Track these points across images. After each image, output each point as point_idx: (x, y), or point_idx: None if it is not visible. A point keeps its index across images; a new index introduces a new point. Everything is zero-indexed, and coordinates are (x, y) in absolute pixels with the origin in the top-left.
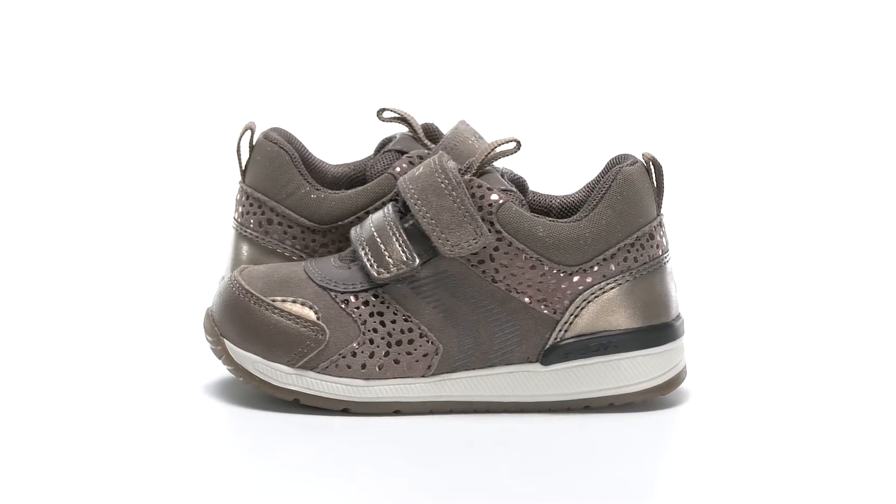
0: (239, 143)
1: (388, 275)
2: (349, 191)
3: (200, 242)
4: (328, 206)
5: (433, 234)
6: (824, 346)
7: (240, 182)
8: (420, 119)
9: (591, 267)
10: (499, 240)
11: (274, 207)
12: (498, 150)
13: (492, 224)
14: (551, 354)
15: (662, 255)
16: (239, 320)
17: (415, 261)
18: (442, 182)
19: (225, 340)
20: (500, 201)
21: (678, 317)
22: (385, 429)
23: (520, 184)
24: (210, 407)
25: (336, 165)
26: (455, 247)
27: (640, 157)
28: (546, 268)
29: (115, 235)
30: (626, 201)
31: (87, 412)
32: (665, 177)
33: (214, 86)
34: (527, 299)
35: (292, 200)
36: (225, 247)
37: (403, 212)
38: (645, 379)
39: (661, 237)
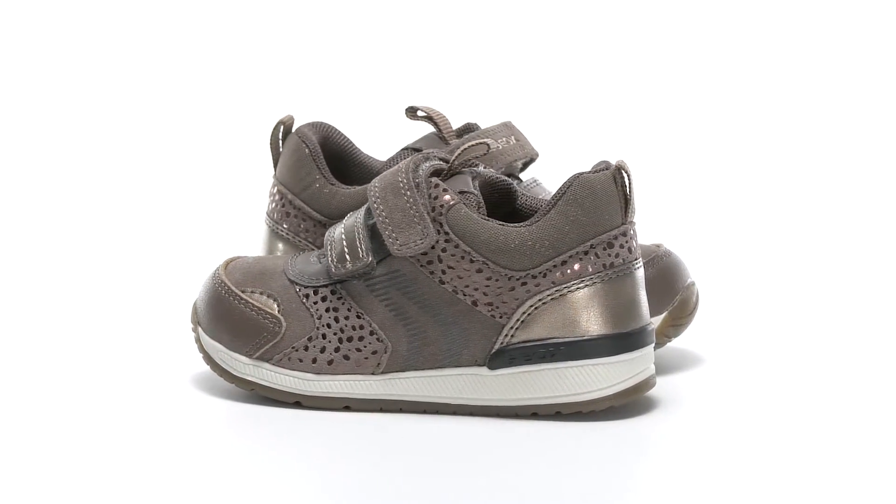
0: (273, 137)
1: (343, 270)
2: (358, 187)
3: (239, 234)
4: (338, 200)
5: (385, 233)
6: (806, 353)
7: (273, 175)
8: (462, 119)
9: (540, 273)
10: (447, 241)
11: (292, 200)
12: (470, 152)
13: (441, 225)
14: (497, 359)
15: (623, 264)
16: (210, 309)
17: (367, 258)
18: (400, 181)
19: (199, 328)
20: (451, 203)
21: (641, 329)
22: (331, 424)
23: (502, 188)
24: (186, 396)
25: (384, 162)
26: (403, 246)
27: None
28: (493, 272)
29: (154, 228)
30: (580, 208)
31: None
32: (635, 186)
33: (276, 81)
34: (473, 302)
35: (307, 194)
36: (259, 239)
37: (371, 210)
38: (592, 389)
39: (622, 246)
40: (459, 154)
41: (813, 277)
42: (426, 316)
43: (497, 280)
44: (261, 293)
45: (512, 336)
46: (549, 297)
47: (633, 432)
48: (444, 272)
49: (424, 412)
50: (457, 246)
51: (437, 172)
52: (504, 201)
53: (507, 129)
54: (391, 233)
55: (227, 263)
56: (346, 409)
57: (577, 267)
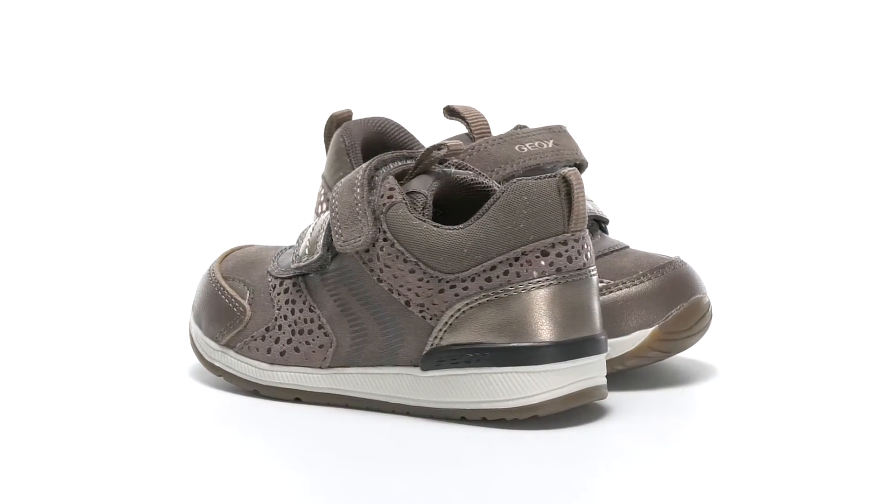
0: (326, 131)
1: (298, 264)
2: None
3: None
4: None
5: (333, 228)
6: (812, 366)
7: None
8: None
9: (469, 277)
10: (384, 240)
11: (325, 193)
12: (435, 154)
13: (381, 224)
14: (428, 360)
15: (559, 274)
16: (197, 294)
17: (317, 252)
18: (356, 178)
19: (191, 314)
20: (393, 201)
21: (575, 340)
22: (279, 414)
23: (480, 189)
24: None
25: None
26: (345, 242)
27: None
28: (424, 273)
29: (213, 224)
30: (512, 214)
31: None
32: (580, 196)
33: (322, 78)
34: (406, 302)
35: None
36: None
37: None
38: (515, 397)
39: (559, 255)
40: (424, 154)
41: (799, 282)
42: (367, 313)
43: (428, 282)
44: (240, 282)
45: (441, 339)
46: (477, 302)
47: (579, 440)
48: (381, 270)
49: (367, 409)
50: (392, 245)
51: (405, 172)
52: (484, 202)
53: (549, 132)
54: (338, 228)
55: (232, 251)
56: (297, 400)
57: (506, 273)
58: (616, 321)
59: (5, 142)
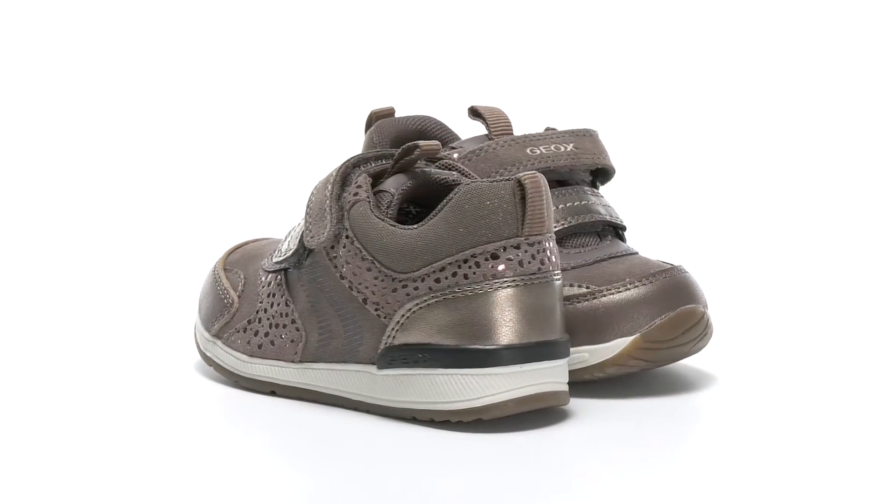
0: (366, 127)
1: (279, 258)
2: None
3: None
4: None
5: (305, 224)
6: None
7: None
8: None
9: (420, 277)
10: (346, 237)
11: None
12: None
13: (344, 221)
14: (382, 359)
15: (510, 277)
16: (202, 285)
17: (292, 248)
18: (331, 175)
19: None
20: (356, 199)
21: (525, 345)
22: (252, 406)
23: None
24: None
25: None
26: (312, 238)
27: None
28: (379, 271)
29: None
30: (462, 216)
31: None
32: (537, 201)
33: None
34: (364, 300)
35: None
36: None
37: None
38: (461, 399)
39: (510, 259)
40: (400, 153)
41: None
42: (331, 309)
43: (382, 280)
44: (237, 273)
45: (394, 338)
46: (426, 303)
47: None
48: (342, 267)
49: (334, 405)
50: (353, 242)
51: (385, 171)
52: None
53: (572, 136)
54: (309, 224)
55: (245, 243)
56: (273, 393)
57: (454, 274)
58: (596, 328)
59: (22, 143)
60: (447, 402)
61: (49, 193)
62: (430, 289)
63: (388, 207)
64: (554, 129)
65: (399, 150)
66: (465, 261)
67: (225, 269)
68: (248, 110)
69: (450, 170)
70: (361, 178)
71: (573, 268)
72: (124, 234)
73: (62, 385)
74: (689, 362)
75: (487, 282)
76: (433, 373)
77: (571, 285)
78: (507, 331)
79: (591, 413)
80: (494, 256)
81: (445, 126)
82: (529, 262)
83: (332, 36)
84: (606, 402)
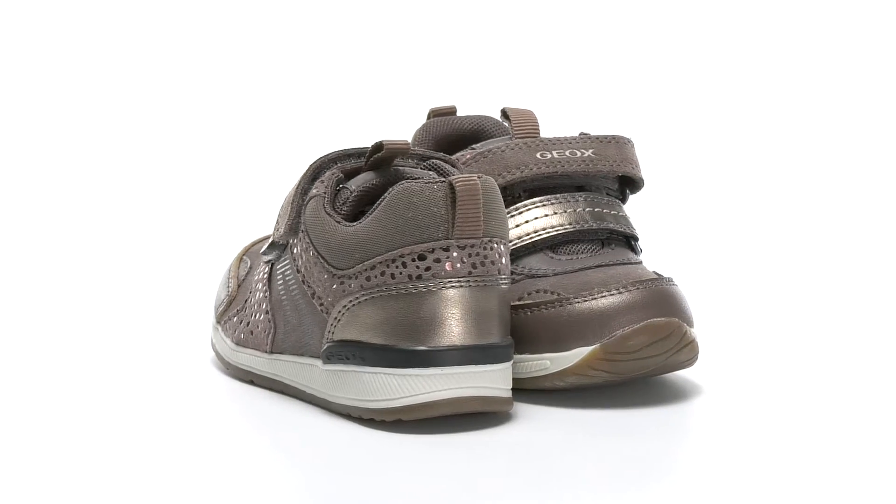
0: None
1: (265, 248)
2: None
3: None
4: None
5: (278, 216)
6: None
7: None
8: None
9: (353, 275)
10: (302, 231)
11: None
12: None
13: (301, 215)
14: (324, 354)
15: (434, 279)
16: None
17: (270, 239)
18: (305, 171)
19: None
20: (314, 195)
21: (448, 348)
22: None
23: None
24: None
25: None
26: (276, 230)
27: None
28: (323, 267)
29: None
30: (392, 216)
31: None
32: (469, 205)
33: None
34: (312, 294)
35: None
36: None
37: None
38: (382, 398)
39: (437, 261)
40: (370, 151)
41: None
42: (292, 302)
43: (325, 276)
44: (247, 262)
45: (333, 333)
46: (357, 301)
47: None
48: (298, 260)
49: (296, 396)
50: (305, 236)
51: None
52: None
53: (594, 142)
54: (279, 218)
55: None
56: (252, 382)
57: (382, 274)
58: (559, 336)
59: (38, 145)
60: (371, 401)
61: (66, 189)
62: (362, 286)
63: (343, 204)
64: (587, 135)
65: (370, 148)
66: (394, 260)
67: (241, 259)
68: (271, 109)
69: (436, 170)
70: (327, 175)
71: (554, 274)
72: (145, 230)
73: (68, 369)
74: (675, 377)
75: (412, 283)
76: (362, 370)
77: (541, 291)
78: (427, 332)
79: (537, 420)
80: (422, 258)
81: (505, 127)
82: (459, 266)
83: (364, 35)
84: (562, 411)
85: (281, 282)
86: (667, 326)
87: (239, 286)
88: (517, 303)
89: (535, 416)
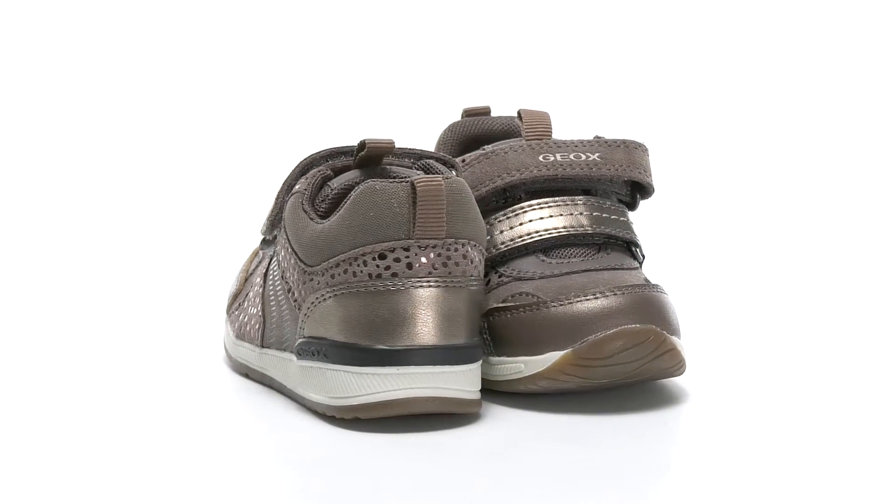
0: None
1: (261, 242)
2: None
3: None
4: None
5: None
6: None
7: None
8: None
9: (320, 272)
10: (283, 227)
11: None
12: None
13: (283, 212)
14: (296, 349)
15: (394, 278)
16: None
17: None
18: (294, 168)
19: None
20: (294, 191)
21: (405, 348)
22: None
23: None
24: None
25: None
26: (262, 227)
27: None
28: (297, 262)
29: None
30: (356, 215)
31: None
32: (429, 205)
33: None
34: (288, 289)
35: None
36: None
37: None
38: (341, 395)
39: (397, 261)
40: (356, 149)
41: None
42: (276, 297)
43: (297, 272)
44: (259, 255)
45: (303, 329)
46: (324, 298)
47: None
48: (279, 255)
49: (280, 391)
50: (284, 231)
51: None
52: None
53: (602, 146)
54: (267, 214)
55: None
56: (246, 376)
57: (345, 272)
58: (533, 339)
59: (49, 146)
60: (333, 398)
61: (77, 189)
62: (328, 283)
63: (322, 201)
64: (601, 138)
65: (356, 146)
66: (356, 258)
67: (255, 253)
68: (295, 106)
69: (426, 169)
70: (313, 171)
71: (540, 277)
72: (170, 224)
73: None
74: (661, 384)
75: (372, 281)
76: (325, 367)
77: (523, 294)
78: (388, 332)
79: (506, 422)
80: (382, 256)
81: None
82: (418, 266)
83: (384, 35)
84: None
85: (270, 277)
86: (641, 333)
87: (246, 280)
88: (500, 305)
89: (505, 419)
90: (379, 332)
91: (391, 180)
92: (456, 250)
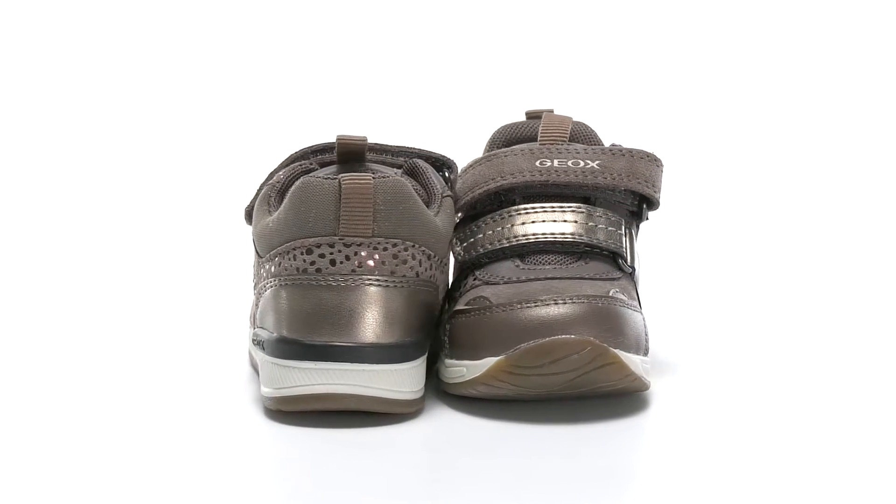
0: None
1: None
2: None
3: None
4: None
5: None
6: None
7: None
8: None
9: (266, 263)
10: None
11: None
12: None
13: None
14: (251, 339)
15: (319, 274)
16: None
17: None
18: (282, 161)
19: None
20: (269, 183)
21: (314, 344)
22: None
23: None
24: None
25: None
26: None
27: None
28: (255, 252)
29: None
30: (291, 209)
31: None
32: (354, 203)
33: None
34: (254, 277)
35: None
36: None
37: None
38: (272, 387)
39: (322, 256)
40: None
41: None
42: (258, 289)
43: (255, 260)
44: None
45: (256, 318)
46: (266, 288)
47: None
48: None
49: None
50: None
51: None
52: None
53: (605, 154)
54: None
55: None
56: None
57: (279, 265)
58: (475, 343)
59: (57, 147)
60: (265, 389)
61: (84, 189)
62: (269, 275)
63: (278, 194)
64: (616, 146)
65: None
66: (288, 252)
67: None
68: (300, 111)
69: (409, 170)
70: (294, 165)
71: (504, 283)
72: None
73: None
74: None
75: (298, 276)
76: (263, 358)
77: (480, 298)
78: (311, 326)
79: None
80: (308, 251)
81: (592, 132)
82: (342, 262)
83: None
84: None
85: (258, 268)
86: (575, 344)
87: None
88: (461, 307)
89: (442, 420)
90: (303, 325)
91: (326, 177)
92: (385, 249)
